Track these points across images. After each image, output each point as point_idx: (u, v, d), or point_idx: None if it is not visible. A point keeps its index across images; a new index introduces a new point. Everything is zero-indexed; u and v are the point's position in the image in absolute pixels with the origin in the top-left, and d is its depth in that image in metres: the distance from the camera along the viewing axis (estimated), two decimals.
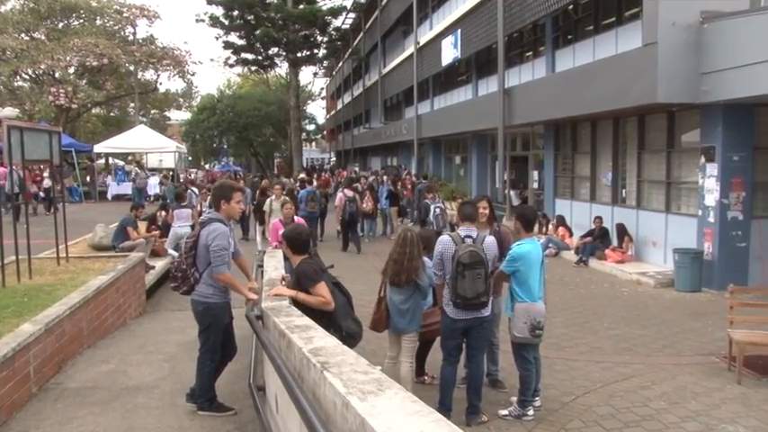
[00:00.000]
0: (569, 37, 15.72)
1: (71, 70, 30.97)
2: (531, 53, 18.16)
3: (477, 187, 22.83)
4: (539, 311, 5.49)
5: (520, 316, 5.46)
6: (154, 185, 26.75)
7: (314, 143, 72.77)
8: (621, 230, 13.11)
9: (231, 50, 37.98)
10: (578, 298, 10.44)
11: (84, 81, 32.36)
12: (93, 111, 41.10)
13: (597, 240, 13.46)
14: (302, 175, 26.91)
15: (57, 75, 30.37)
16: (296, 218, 9.73)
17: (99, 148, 27.79)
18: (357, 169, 37.76)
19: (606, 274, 12.51)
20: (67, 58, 28.52)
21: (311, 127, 59.13)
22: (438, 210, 13.55)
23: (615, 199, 14.13)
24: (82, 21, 33.28)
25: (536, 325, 5.44)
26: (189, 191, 18.23)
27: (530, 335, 5.45)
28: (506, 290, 5.78)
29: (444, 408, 5.40)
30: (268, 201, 13.27)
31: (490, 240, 5.44)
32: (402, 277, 5.55)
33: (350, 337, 4.84)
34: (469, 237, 5.33)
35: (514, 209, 6.07)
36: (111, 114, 46.01)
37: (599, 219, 13.76)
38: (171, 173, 30.64)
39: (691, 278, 10.78)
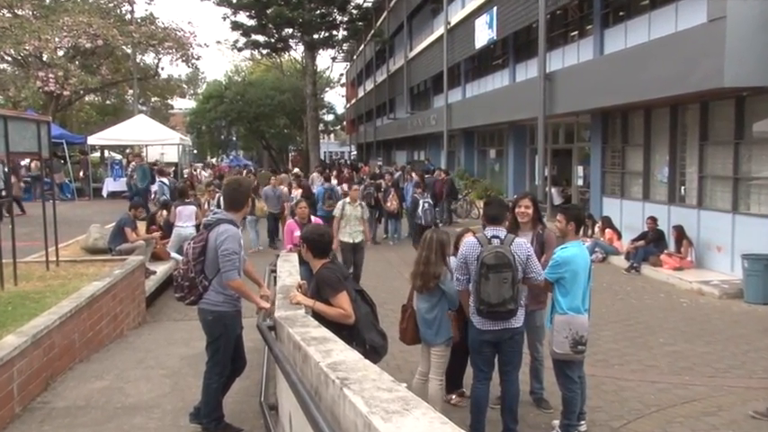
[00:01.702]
0: (621, 14, 15.55)
1: (61, 52, 30.94)
2: (576, 33, 18.02)
3: (515, 184, 22.71)
4: (581, 324, 5.42)
5: (560, 329, 5.40)
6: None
7: (332, 135, 73.05)
8: (680, 233, 12.93)
9: (240, 32, 38.23)
10: (630, 309, 10.31)
11: (77, 65, 32.44)
12: (87, 98, 41.30)
13: (651, 244, 13.29)
14: (296, 170, 26.84)
15: (45, 57, 30.29)
16: (313, 218, 9.76)
17: (93, 139, 28.01)
18: (380, 164, 37.77)
19: (662, 282, 12.34)
20: (57, 39, 28.31)
21: (329, 117, 59.41)
22: (426, 204, 15.71)
23: (672, 197, 13.95)
24: None
25: (578, 340, 5.37)
26: (159, 182, 18.37)
27: (571, 351, 5.39)
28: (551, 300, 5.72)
29: None
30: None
31: (520, 242, 5.39)
32: (418, 282, 5.61)
33: (374, 352, 4.83)
34: (497, 237, 5.31)
35: (563, 209, 5.97)
36: (107, 102, 46.33)
37: (653, 220, 13.58)
38: (174, 168, 30.86)
39: (763, 288, 10.57)
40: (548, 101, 17.03)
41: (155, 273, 11.01)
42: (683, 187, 13.80)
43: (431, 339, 5.71)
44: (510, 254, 5.17)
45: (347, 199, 11.35)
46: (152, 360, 7.39)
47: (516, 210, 6.17)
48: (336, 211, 11.09)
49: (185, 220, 12.41)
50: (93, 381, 6.57)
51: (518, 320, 5.34)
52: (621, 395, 6.61)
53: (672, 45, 12.01)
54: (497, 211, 5.53)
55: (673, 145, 13.90)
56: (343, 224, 10.85)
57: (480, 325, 5.35)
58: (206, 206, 13.97)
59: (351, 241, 10.78)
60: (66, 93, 30.19)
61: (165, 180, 18.57)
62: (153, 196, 22.65)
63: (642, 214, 14.58)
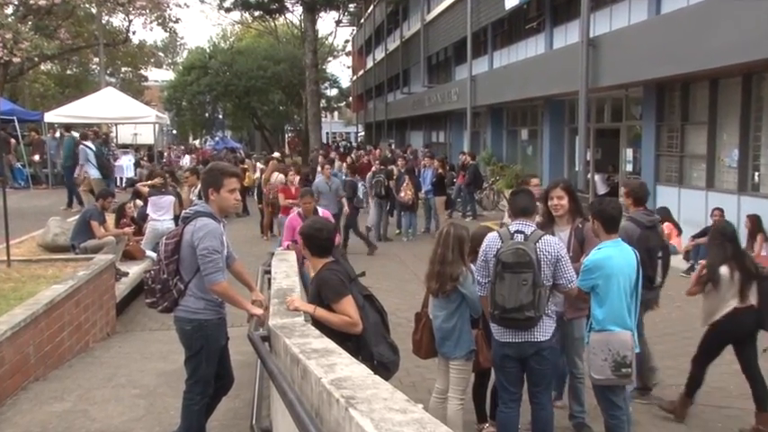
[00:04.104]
0: None
1: (9, 10, 30.79)
2: None
3: (551, 171, 22.63)
4: (622, 343, 5.34)
5: (597, 350, 5.37)
6: (127, 167, 27.06)
7: (336, 113, 73.13)
8: (754, 226, 12.81)
9: None
10: (689, 319, 10.22)
11: (29, 26, 32.28)
12: (43, 67, 41.10)
13: None
14: (276, 153, 26.65)
15: None
16: (321, 210, 9.80)
17: (51, 116, 27.87)
18: (392, 146, 37.77)
19: None
20: None
21: (333, 92, 59.38)
22: (365, 188, 16.84)
23: (743, 185, 13.87)
24: None
25: (621, 361, 5.31)
26: (82, 147, 18.12)
27: (614, 375, 5.34)
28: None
29: None
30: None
31: (550, 240, 5.36)
32: (434, 284, 5.64)
33: (383, 368, 4.84)
34: (521, 233, 5.30)
35: (590, 205, 5.96)
36: (68, 72, 46.17)
37: (719, 211, 13.47)
38: (148, 151, 30.93)
39: None
40: (591, 71, 16.94)
41: (127, 274, 11.06)
42: (756, 173, 13.72)
43: (449, 352, 5.71)
44: (533, 252, 5.16)
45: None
46: (123, 377, 7.41)
47: (548, 202, 6.13)
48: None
49: (162, 211, 12.43)
50: (51, 403, 6.58)
51: (543, 332, 5.31)
52: (680, 423, 6.56)
53: (747, 1, 11.87)
54: (526, 200, 5.51)
55: (744, 123, 13.80)
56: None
57: (499, 335, 5.37)
58: (191, 196, 13.95)
59: None
60: (16, 59, 29.79)
61: (90, 144, 18.53)
62: (120, 181, 22.66)
63: (705, 205, 14.50)
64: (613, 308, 5.37)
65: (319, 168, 20.99)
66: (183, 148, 52.02)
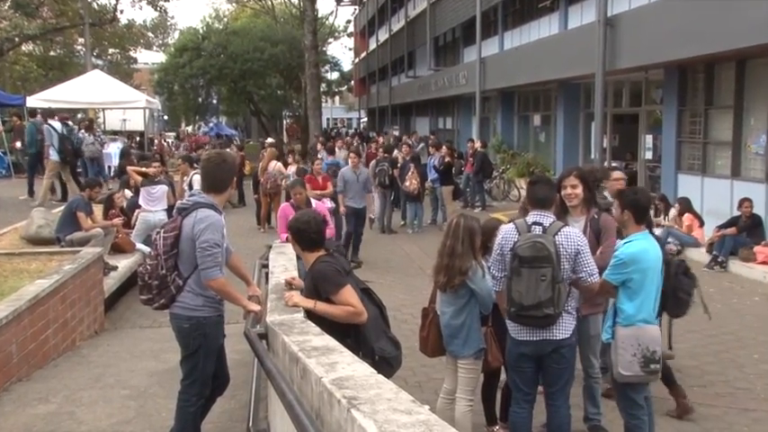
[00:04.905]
0: None
1: None
2: None
3: (565, 159, 22.59)
4: (652, 338, 5.37)
5: (626, 345, 5.36)
6: (114, 155, 27.03)
7: (337, 98, 73.07)
8: None
9: None
10: (714, 316, 10.21)
11: (8, 4, 32.14)
12: (24, 48, 41.05)
13: (743, 233, 13.19)
14: (270, 139, 26.43)
15: None
16: (314, 202, 9.79)
17: (34, 101, 27.85)
18: (396, 133, 37.74)
19: (756, 281, 12.29)
20: None
21: (334, 76, 59.36)
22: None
23: None
24: None
25: (650, 357, 5.33)
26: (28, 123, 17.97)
27: (643, 372, 5.35)
28: (611, 305, 5.69)
29: None
30: None
31: (570, 232, 5.34)
32: (442, 278, 5.63)
33: (385, 363, 4.87)
34: (538, 224, 5.29)
35: (621, 194, 5.91)
36: (51, 54, 46.09)
37: (747, 202, 13.46)
38: (138, 138, 30.85)
39: None
40: (608, 53, 16.89)
41: (116, 268, 11.06)
42: None
43: (457, 351, 5.72)
44: (552, 245, 5.13)
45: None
46: (111, 377, 7.43)
47: (561, 191, 6.10)
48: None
49: (154, 202, 12.43)
50: (35, 405, 6.59)
51: (563, 330, 5.30)
52: (703, 425, 6.57)
53: None
54: (546, 192, 5.48)
55: None
56: None
57: (516, 333, 5.36)
58: (183, 186, 13.94)
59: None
60: None
61: (55, 124, 18.42)
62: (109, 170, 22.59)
63: (730, 195, 14.48)
64: (645, 303, 5.39)
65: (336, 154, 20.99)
66: (174, 134, 52.05)
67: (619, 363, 5.38)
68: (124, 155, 21.75)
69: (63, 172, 17.94)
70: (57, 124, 18.36)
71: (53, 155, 17.71)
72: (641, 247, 5.42)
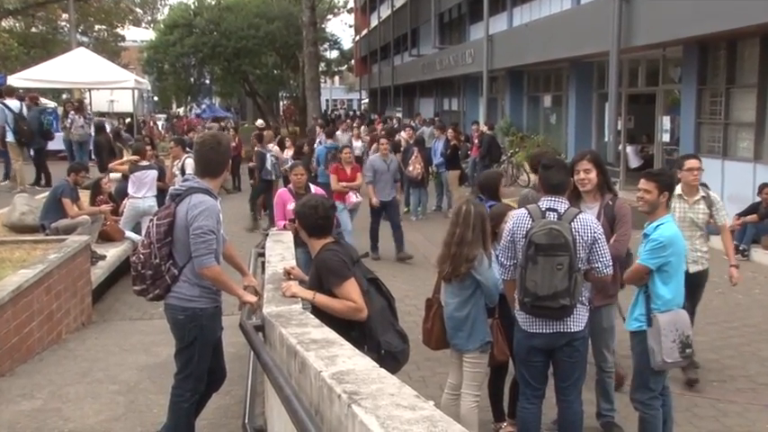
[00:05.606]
0: None
1: None
2: None
3: (577, 141, 22.56)
4: (686, 322, 5.48)
5: (668, 332, 5.38)
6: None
7: (337, 78, 73.02)
8: None
9: None
10: (733, 307, 10.26)
11: None
12: (4, 23, 40.98)
13: (765, 220, 13.17)
14: (260, 122, 26.24)
15: None
16: (313, 187, 9.77)
17: (15, 80, 27.75)
18: (399, 116, 37.69)
19: None
20: None
21: (333, 54, 59.25)
22: (274, 159, 16.81)
23: None
24: None
25: (686, 342, 5.41)
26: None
27: (680, 357, 5.45)
28: (632, 293, 5.70)
29: None
30: None
31: (586, 219, 5.32)
32: (447, 268, 5.61)
33: (391, 358, 4.87)
34: (553, 210, 5.27)
35: (650, 175, 5.86)
36: (33, 30, 46.02)
37: None
38: (127, 120, 30.78)
39: None
40: (624, 29, 16.84)
41: (104, 258, 11.07)
42: None
43: (462, 345, 5.72)
44: (569, 233, 5.11)
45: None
46: (100, 372, 7.44)
47: (574, 176, 6.08)
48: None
49: (144, 188, 12.41)
50: (19, 401, 6.61)
51: (577, 322, 5.30)
52: (723, 422, 6.58)
53: None
54: (560, 176, 5.44)
55: None
56: None
57: (527, 326, 5.34)
58: (174, 170, 13.91)
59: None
60: None
61: (10, 103, 17.97)
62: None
63: (753, 179, 14.44)
64: (678, 286, 5.49)
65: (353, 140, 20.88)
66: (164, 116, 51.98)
67: (663, 350, 5.38)
68: (99, 130, 21.47)
69: (17, 154, 17.59)
70: (14, 103, 18.05)
71: (8, 136, 17.57)
72: (675, 230, 5.51)
